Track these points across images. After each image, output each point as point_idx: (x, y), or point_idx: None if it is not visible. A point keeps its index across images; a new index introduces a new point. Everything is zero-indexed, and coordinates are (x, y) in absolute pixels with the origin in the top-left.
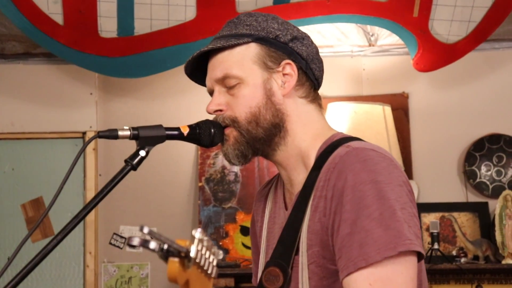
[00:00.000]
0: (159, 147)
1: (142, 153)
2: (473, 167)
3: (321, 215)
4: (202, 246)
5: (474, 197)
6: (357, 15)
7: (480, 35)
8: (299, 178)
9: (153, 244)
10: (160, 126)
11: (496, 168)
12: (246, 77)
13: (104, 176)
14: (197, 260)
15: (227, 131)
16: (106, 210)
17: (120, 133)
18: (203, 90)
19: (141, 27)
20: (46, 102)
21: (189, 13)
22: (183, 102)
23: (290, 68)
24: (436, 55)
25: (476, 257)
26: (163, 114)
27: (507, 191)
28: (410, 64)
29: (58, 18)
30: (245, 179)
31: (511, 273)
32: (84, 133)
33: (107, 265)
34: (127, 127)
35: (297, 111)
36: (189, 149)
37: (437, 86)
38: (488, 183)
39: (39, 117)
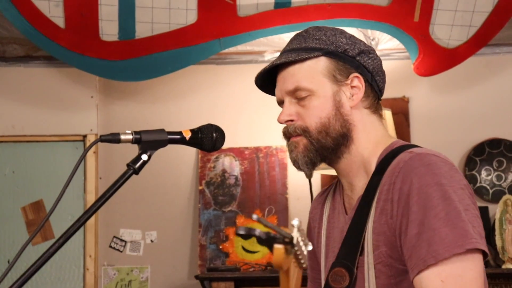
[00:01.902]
0: (159, 150)
1: (144, 157)
2: (473, 172)
3: (387, 217)
4: (299, 234)
5: None
6: (358, 19)
7: (480, 40)
8: (360, 183)
9: (258, 231)
10: (162, 130)
11: (496, 173)
12: (317, 89)
13: (105, 179)
14: (296, 248)
15: (296, 139)
16: (106, 213)
17: (123, 137)
18: (203, 94)
19: (142, 30)
20: (47, 105)
21: (190, 16)
22: (184, 106)
23: (358, 81)
24: (436, 59)
25: None
26: (163, 117)
27: (507, 196)
28: (410, 69)
29: (60, 21)
30: (246, 182)
31: (511, 277)
32: (84, 136)
33: (107, 268)
34: (130, 131)
35: (362, 121)
36: (190, 153)
37: (438, 90)
38: (488, 187)
39: (40, 120)
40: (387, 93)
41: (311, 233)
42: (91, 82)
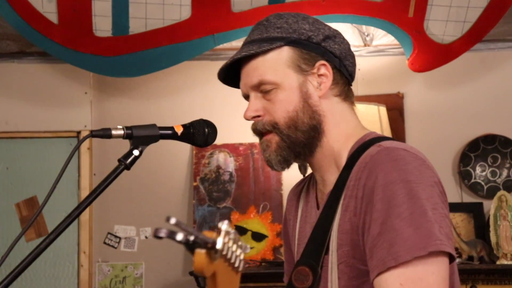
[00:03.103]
0: (153, 146)
1: (136, 152)
2: (468, 168)
3: (351, 214)
4: (229, 238)
5: (469, 198)
6: (352, 15)
7: (475, 36)
8: (331, 178)
9: (180, 236)
10: (153, 126)
11: (491, 169)
12: (282, 82)
13: (99, 176)
14: (224, 253)
15: (268, 137)
16: (100, 209)
17: (114, 132)
18: (197, 90)
19: (136, 26)
20: (40, 101)
21: (184, 12)
22: (178, 102)
23: (325, 69)
24: (431, 55)
25: (470, 258)
26: (158, 113)
27: (501, 192)
28: (405, 64)
29: (53, 17)
30: (240, 178)
31: (506, 273)
32: (78, 132)
33: (102, 264)
34: (121, 126)
35: (332, 111)
36: (184, 149)
37: (432, 86)
38: (483, 183)
39: (34, 116)
40: (382, 89)
41: (287, 226)
42: (85, 78)
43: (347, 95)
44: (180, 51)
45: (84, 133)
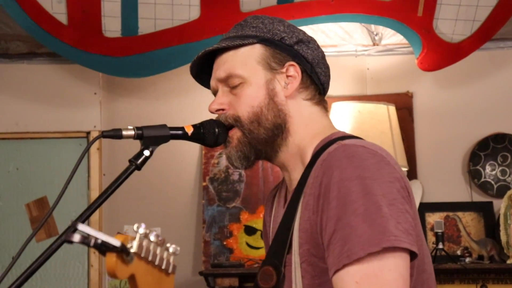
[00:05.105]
0: (163, 147)
1: (146, 152)
2: (478, 167)
3: (310, 213)
4: (149, 241)
5: (478, 197)
6: (361, 14)
7: (484, 34)
8: (298, 176)
9: (92, 240)
10: (164, 126)
11: (500, 168)
12: (249, 77)
13: (108, 176)
14: (143, 255)
15: (231, 132)
16: (110, 210)
17: (124, 132)
18: (207, 90)
19: (145, 26)
20: (50, 102)
21: (193, 12)
22: (187, 102)
23: (293, 70)
24: (440, 54)
25: (481, 257)
26: (167, 113)
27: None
28: (414, 64)
29: (62, 18)
30: (249, 178)
31: None
32: (88, 133)
33: None
34: (131, 127)
35: (299, 112)
36: (193, 149)
37: (442, 85)
38: (492, 182)
39: (43, 116)
40: (391, 88)
41: (266, 227)
42: (94, 78)
43: (319, 101)
44: (189, 52)
45: (93, 134)
